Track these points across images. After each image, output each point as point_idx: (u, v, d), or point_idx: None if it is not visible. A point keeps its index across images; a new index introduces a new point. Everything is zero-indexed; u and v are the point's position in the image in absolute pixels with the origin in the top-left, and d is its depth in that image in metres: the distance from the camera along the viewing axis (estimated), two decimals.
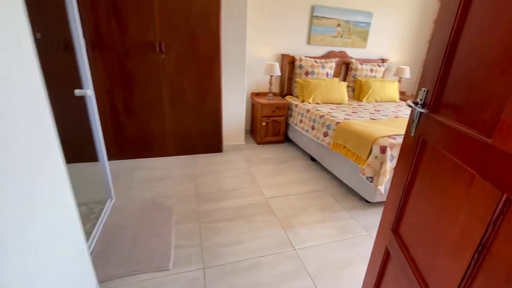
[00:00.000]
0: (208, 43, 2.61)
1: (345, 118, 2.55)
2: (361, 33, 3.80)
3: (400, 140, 1.97)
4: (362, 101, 3.57)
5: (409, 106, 0.84)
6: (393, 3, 3.82)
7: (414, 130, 0.85)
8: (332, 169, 2.57)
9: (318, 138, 2.69)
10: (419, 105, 0.82)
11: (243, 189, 2.32)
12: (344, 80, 3.92)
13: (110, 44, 2.37)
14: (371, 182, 1.99)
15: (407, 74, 3.93)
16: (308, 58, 3.53)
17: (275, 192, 2.30)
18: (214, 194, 2.23)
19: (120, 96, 2.56)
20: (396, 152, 1.94)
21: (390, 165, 1.94)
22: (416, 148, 0.83)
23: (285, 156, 3.10)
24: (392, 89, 3.69)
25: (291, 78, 3.69)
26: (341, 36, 3.72)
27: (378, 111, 3.01)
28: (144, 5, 2.33)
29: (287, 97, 3.59)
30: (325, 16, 3.52)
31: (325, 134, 2.58)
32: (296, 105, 3.24)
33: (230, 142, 3.14)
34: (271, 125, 3.35)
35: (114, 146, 2.73)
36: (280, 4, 3.32)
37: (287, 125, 3.48)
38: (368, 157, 2.01)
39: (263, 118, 3.27)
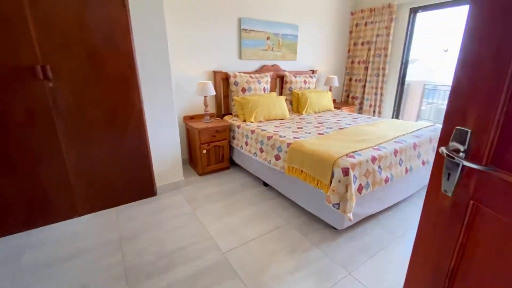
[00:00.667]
0: (118, 62, 2.03)
1: (294, 138, 2.32)
2: (290, 46, 3.77)
3: (359, 158, 1.83)
4: (302, 114, 3.49)
5: (447, 156, 0.55)
6: (314, 15, 3.93)
7: (453, 189, 0.57)
8: (291, 195, 2.30)
9: (269, 162, 2.40)
10: (461, 154, 0.54)
11: (192, 247, 1.81)
12: (281, 94, 3.80)
13: None
14: (338, 208, 1.78)
15: (336, 83, 4.08)
16: (242, 74, 3.26)
17: (231, 241, 1.86)
18: (154, 265, 1.65)
19: None
20: (358, 172, 1.78)
21: (354, 188, 1.76)
22: (463, 217, 0.56)
23: (234, 186, 2.69)
24: (327, 99, 3.74)
25: (227, 96, 3.35)
26: (272, 49, 3.60)
27: (321, 123, 2.93)
28: (6, 14, 1.62)
29: (227, 118, 3.22)
30: (253, 29, 3.33)
31: (277, 157, 2.30)
32: (239, 126, 2.90)
33: (165, 180, 2.55)
34: (213, 151, 2.92)
35: None
36: (206, 17, 2.96)
37: (231, 148, 3.10)
38: (330, 181, 1.80)
39: (203, 146, 2.81)
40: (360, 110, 4.52)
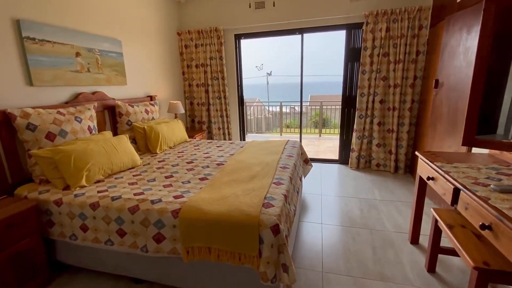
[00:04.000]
0: None
1: (176, 198, 1.58)
2: (116, 66, 2.79)
3: (276, 203, 1.45)
4: (157, 153, 2.66)
5: None
6: (139, 31, 3.18)
7: None
8: (194, 284, 1.53)
9: (145, 250, 1.48)
10: None
11: None
12: (115, 132, 2.73)
13: None
14: (277, 281, 1.31)
15: (181, 109, 3.57)
16: (41, 110, 1.94)
17: None
18: None
19: None
20: (283, 223, 1.40)
21: (289, 243, 1.37)
22: None
23: None
24: (179, 129, 3.14)
25: (15, 152, 1.87)
26: (88, 71, 2.47)
27: (191, 162, 2.32)
28: None
29: (23, 190, 1.77)
30: (49, 39, 2.09)
31: (159, 239, 1.45)
32: (58, 202, 1.64)
33: None
34: (8, 270, 1.46)
35: None
36: None
37: (48, 242, 1.72)
38: (260, 251, 1.29)
39: None
40: (210, 134, 4.30)
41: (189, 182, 1.86)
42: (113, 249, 1.56)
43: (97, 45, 2.54)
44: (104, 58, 2.63)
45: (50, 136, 1.91)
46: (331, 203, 2.72)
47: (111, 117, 2.73)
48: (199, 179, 1.91)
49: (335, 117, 7.53)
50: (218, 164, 2.23)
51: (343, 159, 3.95)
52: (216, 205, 1.44)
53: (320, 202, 2.76)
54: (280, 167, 2.08)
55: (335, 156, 4.22)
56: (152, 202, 1.52)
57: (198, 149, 2.81)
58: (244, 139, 4.42)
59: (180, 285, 1.56)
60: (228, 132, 4.20)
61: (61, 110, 2.07)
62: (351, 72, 3.61)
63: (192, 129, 4.24)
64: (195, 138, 3.54)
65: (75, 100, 2.33)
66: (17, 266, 1.51)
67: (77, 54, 2.35)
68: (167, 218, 1.43)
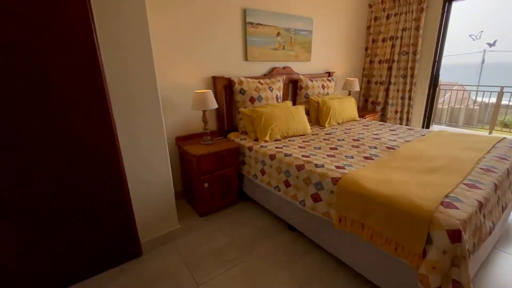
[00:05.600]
0: (74, 72, 1.29)
1: (338, 168, 1.62)
2: (304, 43, 3.10)
3: (464, 207, 1.14)
4: (325, 126, 2.80)
5: None
6: (328, 7, 3.29)
7: None
8: (340, 253, 1.59)
9: (303, 204, 1.68)
10: None
11: None
12: (294, 102, 3.11)
13: None
14: None
15: (356, 86, 3.43)
16: (250, 80, 2.56)
17: None
18: None
19: None
20: (468, 233, 1.09)
21: (471, 263, 1.07)
22: None
23: (250, 232, 1.96)
24: (351, 107, 3.08)
25: (231, 108, 2.64)
26: (283, 48, 2.92)
27: (357, 140, 2.25)
28: None
29: (231, 136, 2.50)
30: (261, 23, 2.65)
31: (316, 199, 1.60)
32: (250, 148, 2.19)
33: (153, 233, 1.80)
34: (217, 183, 2.18)
35: None
36: (201, 7, 2.25)
37: (240, 177, 2.38)
38: (425, 252, 1.10)
39: (204, 177, 2.08)
40: (383, 117, 3.88)
41: (352, 157, 1.84)
42: (279, 195, 1.90)
43: (293, 25, 2.91)
44: (296, 36, 2.99)
45: (252, 99, 2.50)
46: None
47: (293, 89, 3.12)
48: (364, 157, 1.83)
49: None
50: (388, 148, 2.01)
51: None
52: (378, 186, 1.34)
53: None
54: (481, 168, 1.56)
55: None
56: (316, 165, 1.66)
57: (367, 129, 2.65)
58: (427, 128, 3.63)
59: (326, 247, 1.66)
60: (407, 117, 3.60)
61: (261, 80, 2.63)
62: None
63: (364, 109, 4.00)
64: (365, 118, 3.35)
65: (270, 73, 2.86)
66: (223, 183, 2.21)
67: (278, 34, 2.82)
68: (326, 183, 1.52)
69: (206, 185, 2.09)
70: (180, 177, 2.44)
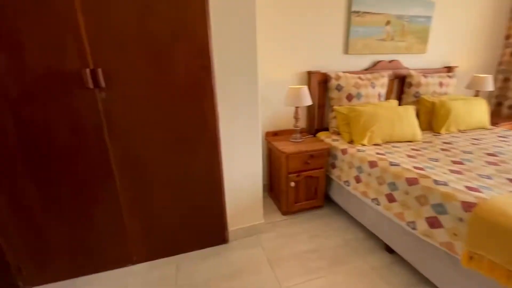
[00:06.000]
0: (189, 61, 1.40)
1: (469, 188, 1.26)
2: (420, 33, 2.60)
3: None
4: (440, 133, 2.29)
5: None
6: None
7: None
8: None
9: (413, 227, 1.39)
10: None
11: None
12: (399, 101, 2.67)
13: None
14: None
15: (488, 85, 2.67)
16: (348, 74, 2.31)
17: None
18: None
19: (25, 180, 1.33)
20: None
21: None
22: None
23: (336, 243, 1.79)
24: (480, 111, 2.41)
25: (323, 106, 2.46)
26: (392, 39, 2.52)
27: (494, 155, 1.72)
28: (54, 4, 1.15)
29: (321, 135, 2.33)
30: (369, 10, 2.34)
31: (434, 224, 1.28)
32: (344, 151, 1.97)
33: (239, 223, 1.85)
34: (304, 183, 2.08)
35: (29, 265, 1.46)
36: None
37: (328, 180, 2.20)
38: None
39: (291, 176, 2.00)
40: None
41: (489, 178, 1.40)
42: (377, 209, 1.64)
43: (407, 11, 2.47)
44: (410, 24, 2.52)
45: (349, 97, 2.26)
46: None
47: (399, 86, 2.68)
48: (508, 179, 1.37)
49: None
50: None
51: None
52: None
53: None
54: None
55: None
56: (436, 182, 1.34)
57: (506, 141, 2.01)
58: None
59: (439, 283, 1.33)
60: None
61: (361, 75, 2.35)
62: None
63: (496, 115, 3.11)
64: (498, 126, 2.58)
65: (374, 67, 2.52)
66: (309, 184, 2.09)
67: (387, 23, 2.44)
68: (453, 207, 1.20)
69: (292, 184, 2.02)
70: (266, 171, 2.44)
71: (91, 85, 1.28)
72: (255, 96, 1.64)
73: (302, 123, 2.44)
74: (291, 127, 2.36)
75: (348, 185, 1.92)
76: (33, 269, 1.48)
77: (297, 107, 2.12)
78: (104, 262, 1.59)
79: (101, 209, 1.48)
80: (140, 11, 1.26)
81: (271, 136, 2.34)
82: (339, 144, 2.08)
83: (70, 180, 1.39)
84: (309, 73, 2.32)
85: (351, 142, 2.07)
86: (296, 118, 2.15)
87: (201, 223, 1.71)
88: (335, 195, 2.16)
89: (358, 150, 1.90)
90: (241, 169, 1.74)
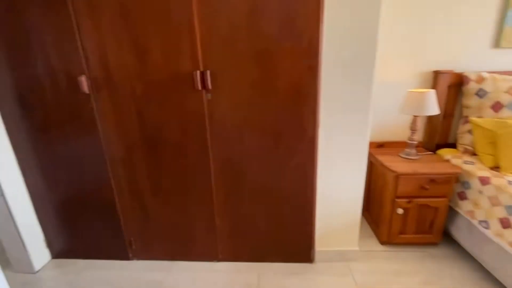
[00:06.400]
0: (295, 62, 1.26)
1: None
2: None
3: None
4: None
5: None
6: None
7: None
8: None
9: None
10: None
11: None
12: None
13: (123, 82, 1.35)
14: None
15: None
16: (497, 76, 1.70)
17: None
18: None
19: (142, 167, 1.51)
20: None
21: None
22: None
23: None
24: None
25: (450, 115, 1.92)
26: None
27: None
28: (174, 12, 1.21)
29: (445, 153, 1.82)
30: None
31: None
32: (484, 180, 1.46)
33: (328, 245, 1.63)
34: (415, 213, 1.66)
35: (138, 240, 1.69)
36: None
37: (450, 211, 1.70)
38: None
39: (399, 200, 1.63)
40: None
41: None
42: None
43: None
44: None
45: (497, 106, 1.66)
46: None
47: None
48: None
49: None
50: None
51: None
52: None
53: None
54: None
55: None
56: None
57: None
58: None
59: None
60: None
61: None
62: None
63: None
64: None
65: None
66: (423, 214, 1.66)
67: None
68: None
69: (400, 211, 1.64)
70: (365, 189, 2.11)
71: (199, 87, 1.31)
72: (366, 103, 1.37)
73: (419, 136, 1.97)
74: (401, 138, 1.95)
75: (486, 228, 1.41)
76: (141, 245, 1.70)
77: (415, 116, 1.70)
78: (195, 253, 1.68)
79: (196, 203, 1.55)
80: (250, 7, 1.19)
81: (375, 147, 1.99)
82: (476, 169, 1.55)
83: (175, 173, 1.50)
84: (437, 73, 1.83)
85: (495, 168, 1.52)
86: (413, 130, 1.73)
87: (287, 236, 1.59)
88: (460, 235, 1.64)
89: (510, 183, 1.36)
90: (339, 188, 1.52)
